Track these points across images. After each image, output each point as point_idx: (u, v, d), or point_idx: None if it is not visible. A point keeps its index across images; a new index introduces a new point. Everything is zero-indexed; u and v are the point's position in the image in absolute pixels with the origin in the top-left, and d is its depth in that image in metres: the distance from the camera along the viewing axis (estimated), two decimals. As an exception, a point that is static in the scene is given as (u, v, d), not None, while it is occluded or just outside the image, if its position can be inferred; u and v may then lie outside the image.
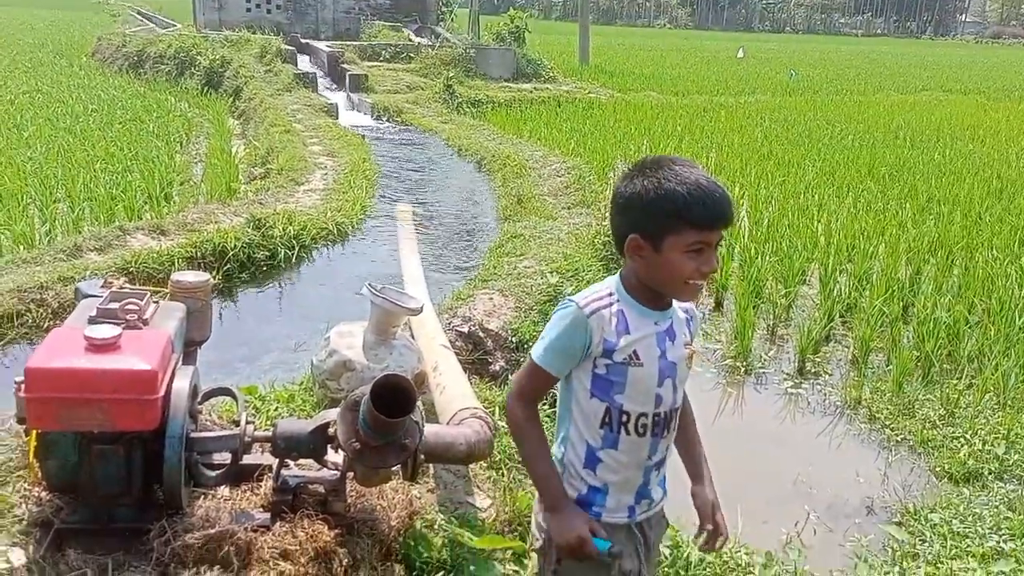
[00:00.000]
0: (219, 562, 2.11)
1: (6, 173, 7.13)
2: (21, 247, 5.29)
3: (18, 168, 7.33)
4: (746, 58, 29.38)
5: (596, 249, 5.75)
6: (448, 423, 2.68)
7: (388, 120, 12.69)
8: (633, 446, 1.69)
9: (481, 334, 4.45)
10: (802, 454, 3.90)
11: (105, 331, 2.02)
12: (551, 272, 5.11)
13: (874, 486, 3.60)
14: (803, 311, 5.52)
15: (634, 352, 1.63)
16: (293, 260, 5.75)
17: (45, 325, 4.25)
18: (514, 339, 4.46)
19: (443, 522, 2.67)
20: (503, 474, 3.25)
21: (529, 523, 2.93)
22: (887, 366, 4.69)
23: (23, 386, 1.94)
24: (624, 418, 1.66)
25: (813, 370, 4.76)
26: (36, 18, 27.93)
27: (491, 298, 4.81)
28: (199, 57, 14.50)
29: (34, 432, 2.12)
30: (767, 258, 6.11)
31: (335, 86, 14.65)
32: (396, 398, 2.07)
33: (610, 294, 1.67)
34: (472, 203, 8.15)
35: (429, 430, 2.34)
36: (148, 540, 2.14)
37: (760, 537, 3.02)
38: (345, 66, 14.78)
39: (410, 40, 17.97)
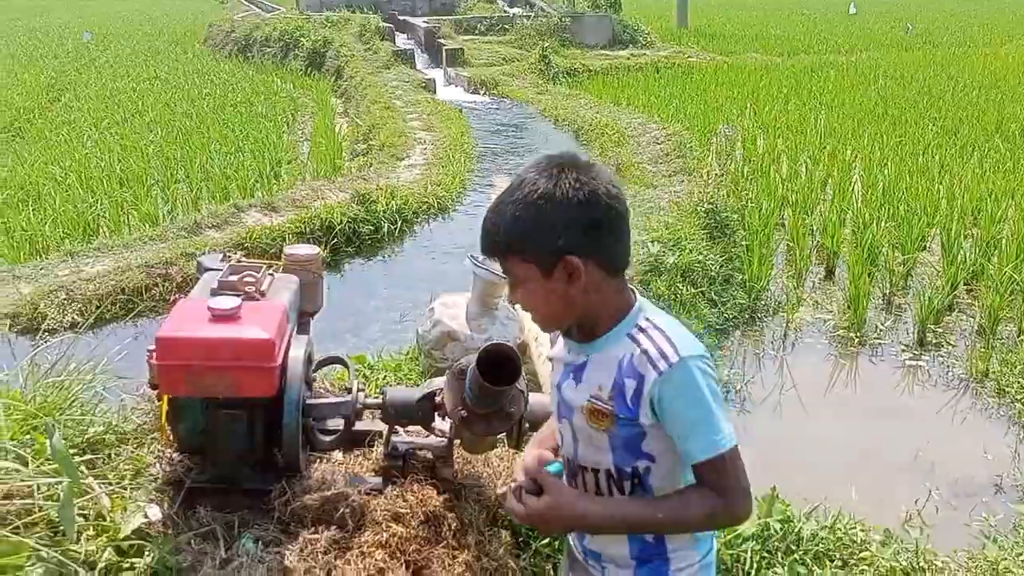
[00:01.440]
0: (336, 522, 2.20)
1: (131, 157, 7.60)
2: (147, 225, 5.63)
3: (142, 152, 7.80)
4: (859, 13, 27.73)
5: (699, 218, 5.60)
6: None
7: (484, 93, 12.72)
8: None
9: (582, 305, 4.43)
10: (922, 429, 3.71)
11: (227, 302, 2.12)
12: (652, 242, 5.02)
13: (1003, 464, 3.39)
14: (923, 279, 5.23)
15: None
16: (396, 234, 5.88)
17: (171, 298, 4.52)
18: (615, 310, 4.42)
19: (548, 490, 2.69)
20: (606, 444, 3.25)
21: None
22: (1018, 337, 4.38)
23: (154, 354, 2.06)
24: None
25: (934, 341, 4.50)
26: (156, 8, 29.45)
27: (591, 268, 4.77)
28: (302, 39, 14.92)
29: (166, 397, 2.26)
30: (882, 223, 5.80)
31: (432, 61, 14.79)
32: (501, 367, 2.08)
33: None
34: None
35: (534, 399, 2.35)
36: (270, 500, 2.26)
37: (877, 514, 2.90)
38: (441, 41, 14.89)
39: (505, 12, 17.88)
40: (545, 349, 3.15)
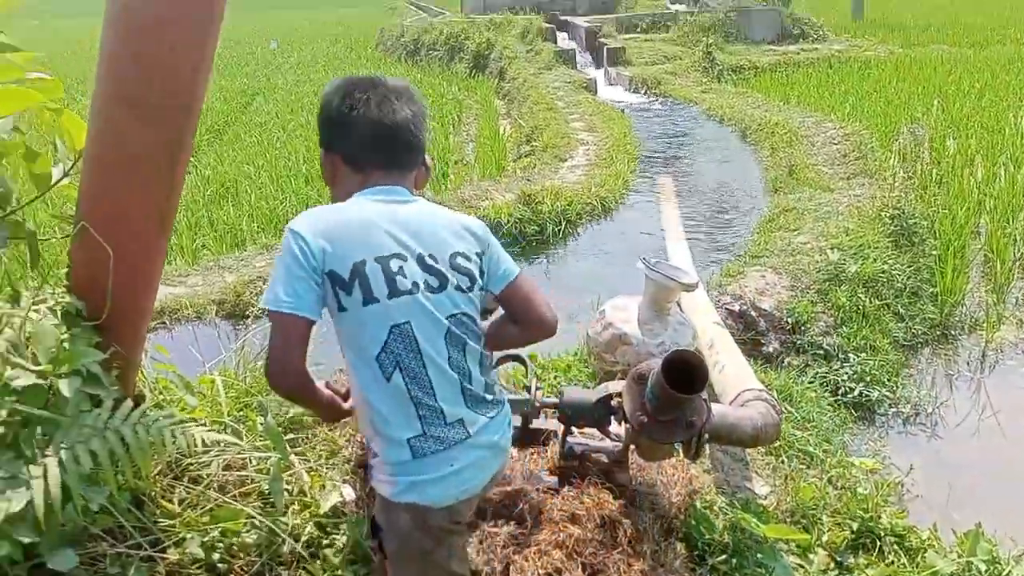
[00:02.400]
0: (514, 518, 2.25)
1: (314, 156, 8.12)
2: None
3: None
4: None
5: (883, 224, 5.24)
6: (731, 403, 2.61)
7: (646, 92, 12.56)
8: None
9: (753, 313, 4.27)
10: None
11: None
12: (831, 248, 4.75)
13: None
14: None
15: None
16: (560, 234, 5.92)
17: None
18: (790, 320, 4.23)
19: (724, 504, 2.62)
20: (784, 461, 3.11)
21: (813, 514, 2.80)
22: None
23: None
24: None
25: None
26: (332, 15, 31.40)
27: (763, 276, 4.59)
28: (467, 41, 15.39)
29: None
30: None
31: (593, 61, 14.78)
32: (686, 374, 2.04)
33: None
34: (736, 174, 7.81)
35: (717, 410, 2.29)
36: (452, 489, 2.34)
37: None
38: (602, 40, 14.85)
39: (667, 8, 17.57)
40: (721, 358, 3.06)
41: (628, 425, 2.30)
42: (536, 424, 2.58)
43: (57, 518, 1.61)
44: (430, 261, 1.61)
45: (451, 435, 1.60)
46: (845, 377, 3.91)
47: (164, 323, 4.16)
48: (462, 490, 1.65)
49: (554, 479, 2.43)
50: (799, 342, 4.15)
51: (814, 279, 4.51)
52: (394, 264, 1.57)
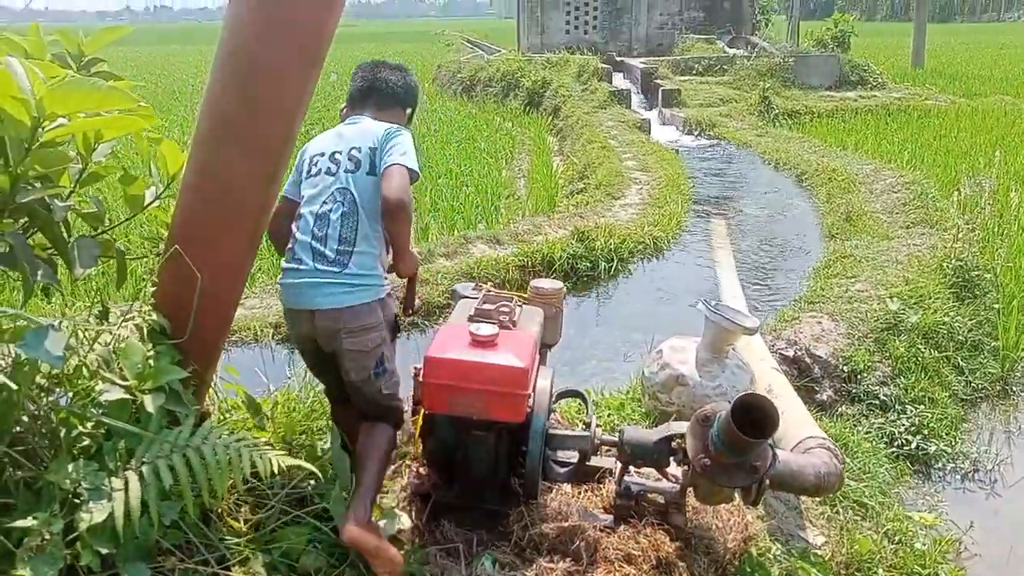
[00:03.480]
0: (570, 554, 2.25)
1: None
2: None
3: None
4: None
5: (944, 275, 5.14)
6: (792, 450, 2.58)
7: (701, 134, 12.57)
8: None
9: (808, 360, 4.22)
10: None
11: (487, 329, 2.26)
12: (891, 297, 4.67)
13: None
14: None
15: None
16: (612, 272, 5.94)
17: (404, 320, 4.87)
18: (845, 368, 4.17)
19: (780, 552, 2.58)
20: (839, 512, 3.05)
21: (868, 567, 2.74)
22: None
23: (421, 372, 2.24)
24: None
25: None
26: (389, 48, 32.21)
27: (819, 322, 4.54)
28: (522, 79, 15.62)
29: (421, 413, 2.44)
30: None
31: (647, 102, 14.87)
32: (754, 418, 2.04)
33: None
34: (791, 219, 7.75)
35: (784, 457, 2.27)
36: (508, 523, 2.35)
37: None
38: (658, 81, 14.95)
39: (724, 52, 17.63)
40: (780, 403, 3.02)
41: (687, 467, 2.29)
42: (593, 461, 2.58)
43: (133, 531, 1.67)
44: (336, 155, 2.30)
45: (301, 268, 2.21)
46: (902, 429, 3.83)
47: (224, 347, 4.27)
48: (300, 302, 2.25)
49: (609, 517, 2.43)
50: (854, 391, 4.08)
51: (871, 327, 4.44)
52: (318, 157, 2.33)
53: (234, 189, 1.83)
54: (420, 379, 2.24)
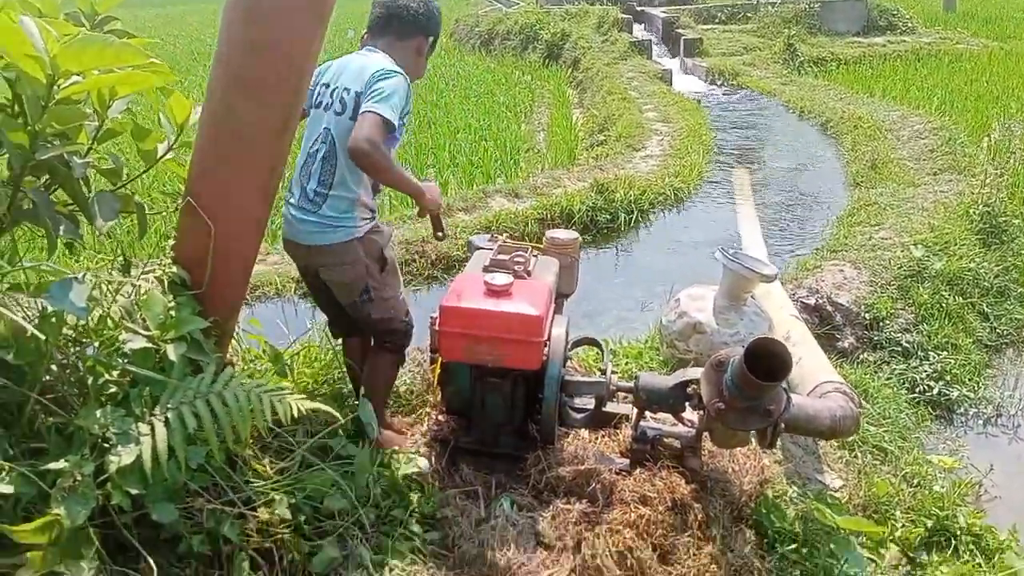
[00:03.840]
0: (586, 496, 2.29)
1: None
2: (406, 207, 6.14)
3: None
4: None
5: (971, 221, 5.05)
6: (808, 395, 2.59)
7: (723, 84, 12.32)
8: None
9: (829, 308, 4.20)
10: None
11: (501, 279, 2.28)
12: (915, 244, 4.61)
13: None
14: None
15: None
16: (632, 223, 5.91)
17: (425, 273, 4.92)
18: (867, 315, 4.14)
19: (796, 495, 2.60)
20: (857, 456, 3.07)
21: (886, 510, 2.76)
22: None
23: (437, 321, 2.27)
24: None
25: None
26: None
27: (841, 270, 4.50)
28: (541, 31, 15.34)
29: (439, 361, 2.48)
30: None
31: (669, 52, 14.58)
32: (767, 362, 2.05)
33: (404, 75, 2.27)
34: (816, 168, 7.62)
35: (797, 401, 2.28)
36: (526, 467, 2.40)
37: None
38: (679, 31, 14.61)
39: (747, -1, 17.16)
40: (798, 350, 3.03)
41: (703, 412, 2.31)
42: (609, 407, 2.62)
43: (162, 473, 1.73)
44: (334, 91, 2.31)
45: (290, 202, 2.37)
46: (924, 375, 3.81)
47: (246, 300, 4.33)
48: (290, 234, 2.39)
49: (625, 461, 2.46)
50: (876, 338, 4.06)
51: (895, 275, 4.39)
52: (322, 88, 2.35)
53: (245, 140, 1.85)
54: (436, 328, 2.27)
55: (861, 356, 3.96)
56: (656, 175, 6.69)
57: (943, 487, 2.94)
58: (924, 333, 4.06)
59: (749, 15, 15.72)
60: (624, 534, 2.15)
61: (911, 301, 4.25)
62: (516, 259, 2.49)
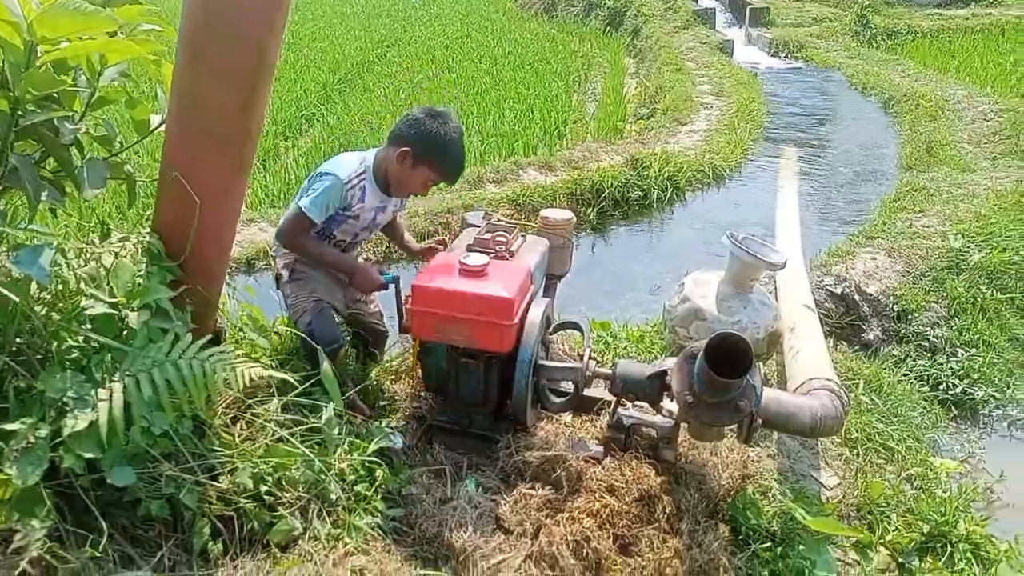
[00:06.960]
0: (552, 482, 2.27)
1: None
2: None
3: (444, 106, 8.43)
4: None
5: (1023, 210, 4.76)
6: (794, 391, 2.50)
7: (787, 56, 11.87)
8: None
9: (856, 297, 4.04)
10: None
11: (476, 259, 2.26)
12: (955, 234, 4.38)
13: None
14: None
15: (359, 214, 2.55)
16: (665, 201, 5.77)
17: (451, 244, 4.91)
18: (896, 307, 3.97)
19: (778, 491, 2.53)
20: (858, 454, 2.96)
21: (881, 512, 2.66)
22: None
23: (409, 299, 2.27)
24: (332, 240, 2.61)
25: None
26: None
27: (874, 258, 4.31)
28: (604, -2, 15.04)
29: (417, 339, 2.48)
30: None
31: (735, 20, 14.09)
32: (734, 357, 1.98)
33: (361, 174, 2.49)
34: (871, 148, 7.29)
35: (769, 395, 2.21)
36: (497, 450, 2.40)
37: None
38: (746, -1, 14.11)
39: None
40: (799, 343, 2.93)
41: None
42: (591, 393, 2.58)
43: (119, 439, 1.79)
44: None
45: None
46: (949, 372, 3.64)
47: (246, 267, 4.38)
48: None
49: (599, 449, 2.43)
50: (904, 331, 3.89)
51: (931, 265, 4.19)
52: None
53: (209, 118, 1.86)
54: (407, 306, 2.27)
55: (884, 349, 3.81)
56: (697, 151, 6.51)
57: (947, 491, 2.82)
58: (954, 328, 3.88)
59: (823, -17, 15.01)
60: (584, 523, 2.13)
61: (944, 294, 4.05)
62: (498, 239, 2.46)
